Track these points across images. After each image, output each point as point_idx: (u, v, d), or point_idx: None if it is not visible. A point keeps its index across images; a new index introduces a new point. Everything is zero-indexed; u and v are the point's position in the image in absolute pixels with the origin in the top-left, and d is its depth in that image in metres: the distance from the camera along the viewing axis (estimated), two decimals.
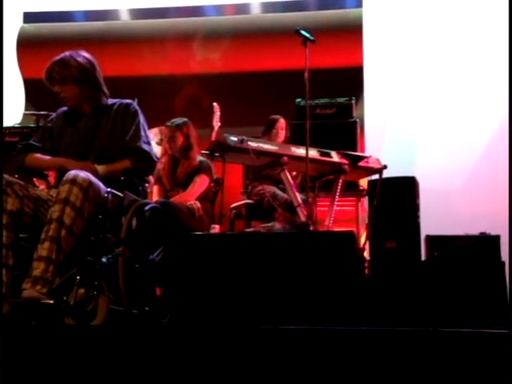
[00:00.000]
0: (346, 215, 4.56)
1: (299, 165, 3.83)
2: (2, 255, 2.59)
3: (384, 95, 5.86)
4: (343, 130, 4.67)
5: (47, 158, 3.09)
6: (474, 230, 3.56)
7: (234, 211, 4.63)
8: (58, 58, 3.08)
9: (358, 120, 4.79)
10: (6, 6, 5.26)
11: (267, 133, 4.75)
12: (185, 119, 4.38)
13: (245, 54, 6.19)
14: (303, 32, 3.76)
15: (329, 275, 2.63)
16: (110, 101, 3.19)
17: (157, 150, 4.40)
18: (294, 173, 4.22)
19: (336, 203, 4.02)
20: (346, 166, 3.98)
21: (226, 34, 6.28)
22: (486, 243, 3.43)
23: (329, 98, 4.81)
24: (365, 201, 4.42)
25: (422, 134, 5.79)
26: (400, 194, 3.63)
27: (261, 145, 3.78)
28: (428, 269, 3.06)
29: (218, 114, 4.75)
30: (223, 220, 4.23)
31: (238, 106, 5.74)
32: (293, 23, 5.11)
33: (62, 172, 2.92)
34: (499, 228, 3.46)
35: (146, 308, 2.97)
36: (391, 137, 5.80)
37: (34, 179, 3.74)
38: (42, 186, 3.47)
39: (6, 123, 4.92)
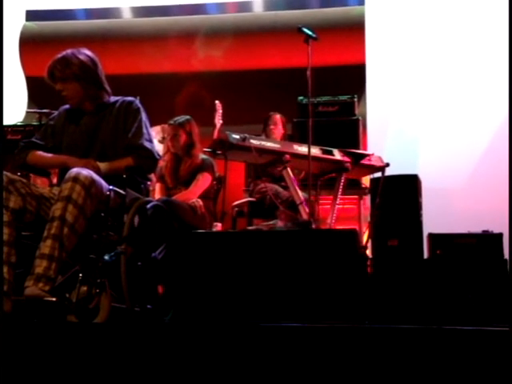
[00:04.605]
0: (348, 213, 4.56)
1: (301, 163, 3.82)
2: (3, 252, 2.60)
3: (386, 93, 5.86)
4: (345, 127, 4.66)
5: (49, 155, 3.09)
6: (477, 228, 3.55)
7: (236, 209, 4.63)
8: (59, 55, 3.08)
9: (360, 118, 4.78)
10: (9, 4, 5.30)
11: (263, 130, 4.78)
12: (187, 117, 4.38)
13: (247, 51, 6.19)
14: (305, 30, 3.75)
15: (331, 273, 2.63)
16: (112, 98, 3.18)
17: (159, 147, 4.41)
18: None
19: (338, 201, 4.02)
20: (348, 164, 3.98)
21: (228, 31, 6.28)
22: (489, 241, 3.41)
23: (331, 95, 4.80)
24: (367, 199, 4.42)
25: (425, 131, 5.78)
26: (402, 192, 3.62)
27: (263, 143, 3.78)
28: (430, 267, 3.05)
29: (220, 111, 4.75)
30: (225, 218, 4.23)
31: (240, 104, 5.73)
32: (295, 21, 5.08)
33: (64, 170, 2.91)
34: (502, 226, 3.43)
35: (149, 306, 2.97)
36: (393, 135, 5.79)
37: (32, 178, 3.73)
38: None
39: (9, 121, 4.93)
